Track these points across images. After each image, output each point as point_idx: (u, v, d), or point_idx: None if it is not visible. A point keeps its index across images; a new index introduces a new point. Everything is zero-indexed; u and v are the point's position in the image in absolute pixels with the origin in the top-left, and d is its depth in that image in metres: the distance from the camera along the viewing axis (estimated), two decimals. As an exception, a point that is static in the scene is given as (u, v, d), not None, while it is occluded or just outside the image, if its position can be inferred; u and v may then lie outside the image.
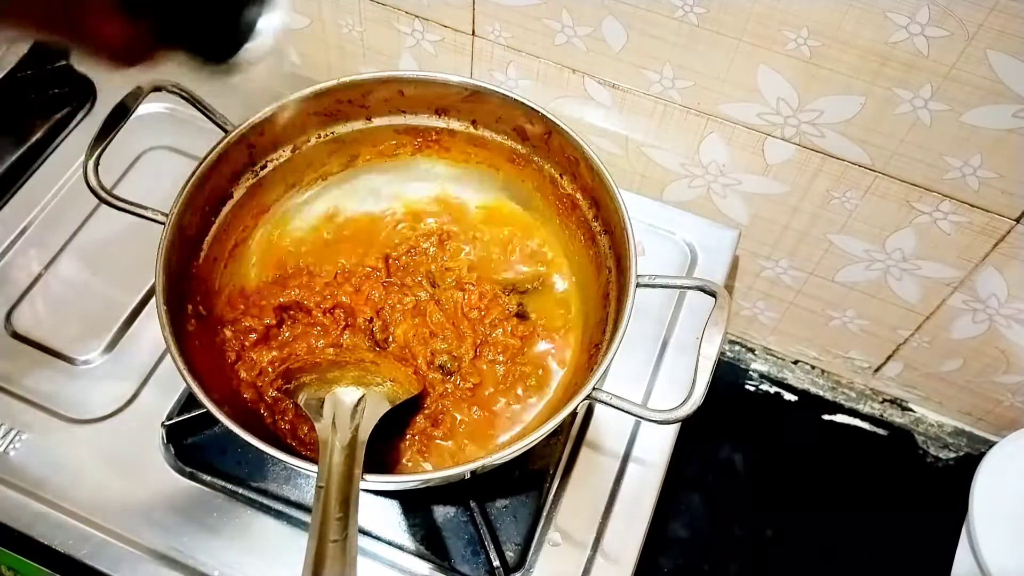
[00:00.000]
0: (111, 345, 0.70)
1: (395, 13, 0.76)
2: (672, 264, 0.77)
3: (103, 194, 0.57)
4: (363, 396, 0.54)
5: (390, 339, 0.62)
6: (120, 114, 0.58)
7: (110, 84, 0.85)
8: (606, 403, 0.51)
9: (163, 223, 0.56)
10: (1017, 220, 0.66)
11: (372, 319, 0.63)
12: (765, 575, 0.83)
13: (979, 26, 0.55)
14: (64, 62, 0.85)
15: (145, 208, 0.57)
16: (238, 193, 0.63)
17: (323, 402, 0.53)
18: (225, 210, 0.62)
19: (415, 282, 0.65)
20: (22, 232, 0.76)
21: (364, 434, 0.50)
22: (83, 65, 0.86)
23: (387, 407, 0.54)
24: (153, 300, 0.54)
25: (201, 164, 0.58)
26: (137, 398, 0.67)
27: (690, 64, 0.68)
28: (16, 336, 0.70)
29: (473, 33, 0.75)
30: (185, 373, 0.50)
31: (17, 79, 0.76)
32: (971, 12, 0.55)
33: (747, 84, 0.67)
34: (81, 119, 0.83)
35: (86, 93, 0.84)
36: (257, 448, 0.48)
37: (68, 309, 0.72)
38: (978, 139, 0.62)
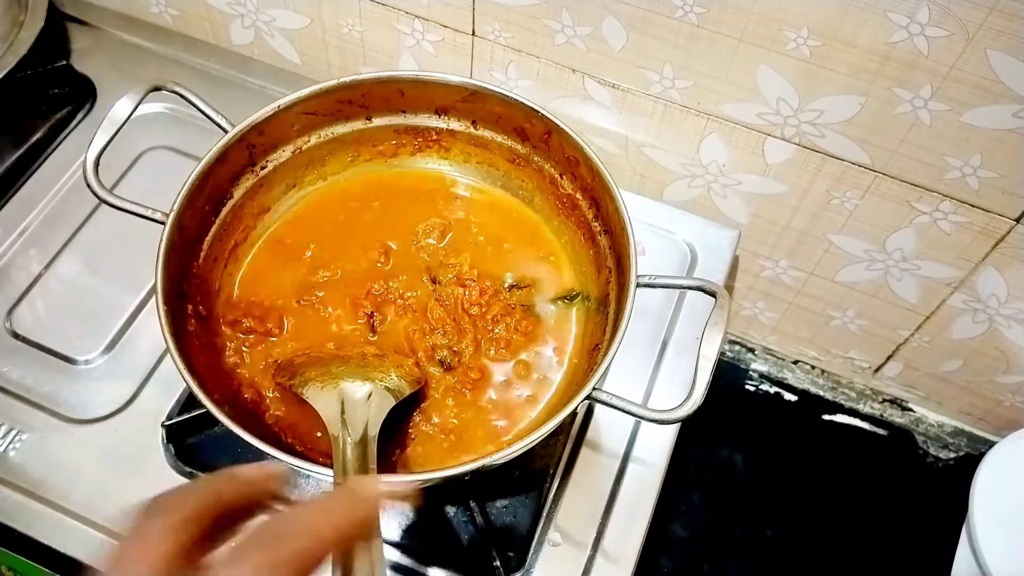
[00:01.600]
0: (111, 345, 0.70)
1: (395, 13, 0.76)
2: (672, 264, 0.77)
3: (103, 194, 0.57)
4: (371, 390, 0.54)
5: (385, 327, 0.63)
6: (120, 114, 0.59)
7: (110, 84, 0.85)
8: (606, 403, 0.51)
9: (163, 223, 0.56)
10: (1017, 220, 0.66)
11: (373, 313, 0.63)
12: (765, 575, 0.83)
13: (979, 26, 0.55)
14: (64, 62, 0.85)
15: (145, 208, 0.57)
16: (238, 193, 0.63)
17: (331, 397, 0.53)
18: (225, 210, 0.62)
19: (416, 278, 0.65)
20: (22, 232, 0.76)
21: (374, 429, 0.51)
22: (83, 65, 0.86)
23: (392, 402, 0.54)
24: (153, 300, 0.54)
25: (201, 164, 0.58)
26: (137, 398, 0.67)
27: (690, 64, 0.68)
28: (16, 336, 0.70)
29: (473, 33, 0.75)
30: (185, 373, 0.50)
31: (17, 79, 0.76)
32: (971, 12, 0.55)
33: (747, 84, 0.67)
34: (81, 119, 0.83)
35: (86, 93, 0.84)
36: (257, 448, 0.48)
37: (68, 309, 0.72)
38: (978, 139, 0.62)
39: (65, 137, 0.81)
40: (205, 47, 0.89)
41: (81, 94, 0.84)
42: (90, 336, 0.70)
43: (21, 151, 0.80)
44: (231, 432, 0.49)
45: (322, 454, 0.56)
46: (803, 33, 0.61)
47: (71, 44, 0.88)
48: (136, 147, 0.80)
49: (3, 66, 0.75)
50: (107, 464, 0.64)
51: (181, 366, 0.51)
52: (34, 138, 0.81)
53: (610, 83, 0.73)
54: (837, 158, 0.68)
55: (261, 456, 0.49)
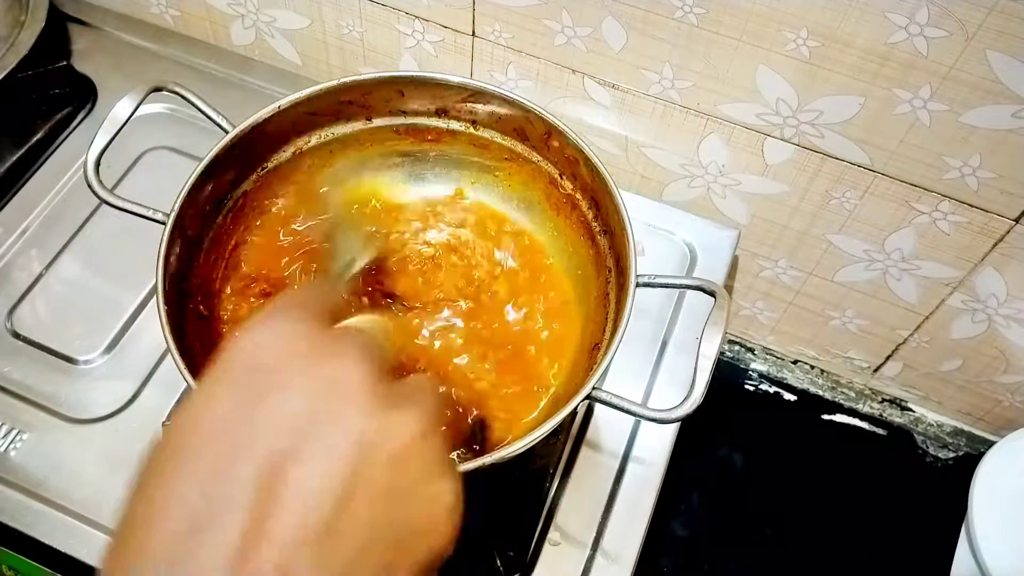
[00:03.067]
0: (112, 345, 0.70)
1: (395, 14, 0.76)
2: (672, 264, 0.77)
3: (104, 194, 0.57)
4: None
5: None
6: (121, 114, 0.59)
7: (111, 84, 0.85)
8: (606, 402, 0.51)
9: (164, 223, 0.56)
10: (1016, 220, 0.66)
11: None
12: (765, 575, 0.83)
13: (979, 26, 0.55)
14: (64, 62, 0.85)
15: (146, 208, 0.57)
16: (239, 193, 0.63)
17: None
18: (226, 210, 0.63)
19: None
20: (23, 232, 0.76)
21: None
22: (84, 65, 0.86)
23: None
24: (154, 300, 0.54)
25: (201, 164, 0.58)
26: (138, 398, 0.67)
27: (690, 64, 0.68)
28: (17, 336, 0.70)
29: (473, 34, 0.75)
30: (186, 373, 0.51)
31: (17, 79, 0.76)
32: (970, 12, 0.55)
33: (747, 84, 0.67)
34: (82, 119, 0.83)
35: (87, 93, 0.84)
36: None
37: (69, 309, 0.72)
38: (977, 139, 0.62)
39: (66, 137, 0.81)
40: (205, 48, 0.89)
41: (82, 94, 0.84)
42: (91, 336, 0.70)
43: (22, 151, 0.80)
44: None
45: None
46: (802, 33, 0.61)
47: (72, 44, 0.88)
48: (137, 147, 0.81)
49: (4, 66, 0.75)
50: (108, 464, 0.64)
51: (182, 366, 0.51)
52: (35, 138, 0.81)
53: (610, 83, 0.73)
54: (836, 158, 0.69)
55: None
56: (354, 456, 0.27)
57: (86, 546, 0.61)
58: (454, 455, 0.35)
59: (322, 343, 0.30)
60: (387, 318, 0.38)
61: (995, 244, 0.68)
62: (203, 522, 0.25)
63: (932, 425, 0.90)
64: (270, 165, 0.64)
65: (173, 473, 0.27)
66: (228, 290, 0.63)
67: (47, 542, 0.61)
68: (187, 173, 0.58)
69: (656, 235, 0.78)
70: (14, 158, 0.79)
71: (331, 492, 0.27)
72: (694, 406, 0.50)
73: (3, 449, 0.64)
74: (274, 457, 0.26)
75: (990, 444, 0.76)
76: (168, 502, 0.26)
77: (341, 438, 0.27)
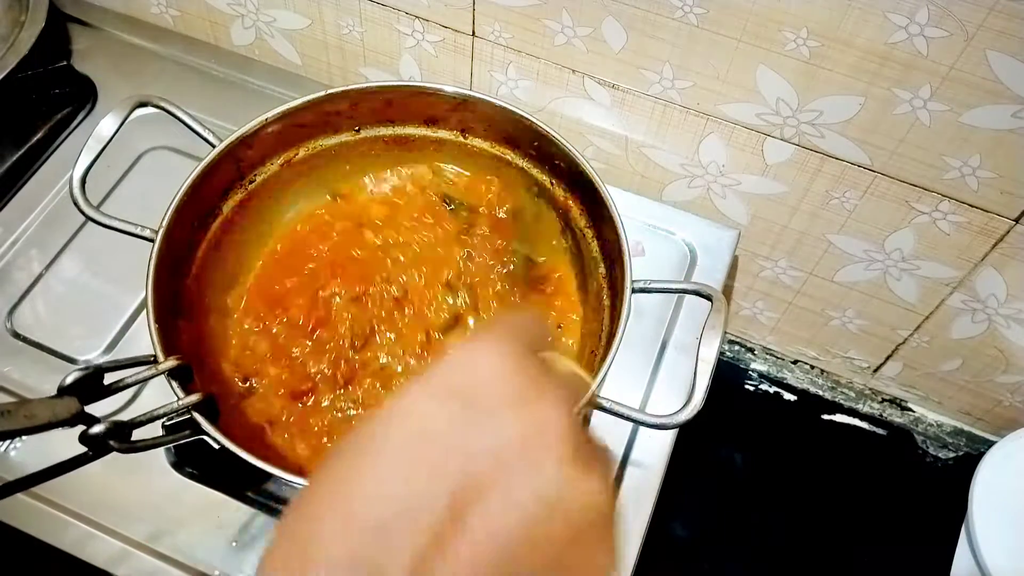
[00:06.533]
0: (112, 345, 0.70)
1: (395, 14, 0.76)
2: (671, 264, 0.77)
3: (90, 212, 0.56)
4: None
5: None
6: (106, 132, 0.58)
7: (111, 85, 0.85)
8: (605, 409, 0.51)
9: (151, 239, 0.55)
10: (1016, 220, 0.66)
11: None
12: (765, 575, 0.83)
13: (978, 26, 0.55)
14: (65, 63, 0.85)
15: (133, 225, 0.57)
16: (227, 208, 0.63)
17: None
18: (215, 225, 0.62)
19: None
20: (23, 232, 0.76)
21: None
22: (84, 66, 0.86)
23: None
24: (153, 301, 0.54)
25: (188, 180, 0.58)
26: (138, 398, 0.67)
27: (690, 64, 0.68)
28: (17, 336, 0.70)
29: (473, 34, 0.75)
30: (179, 391, 0.51)
31: (18, 79, 0.76)
32: (970, 12, 0.55)
33: (747, 84, 0.67)
34: (82, 119, 0.83)
35: (87, 93, 0.84)
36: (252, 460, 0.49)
37: (69, 309, 0.72)
38: (977, 139, 0.62)
39: (66, 137, 0.81)
40: (206, 48, 0.89)
41: (82, 95, 0.84)
42: (91, 336, 0.70)
43: (22, 151, 0.80)
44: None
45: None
46: (802, 34, 0.61)
47: (72, 45, 0.88)
48: (136, 148, 0.80)
49: (4, 66, 0.75)
50: (108, 464, 0.64)
51: (175, 385, 0.51)
52: (35, 138, 0.81)
53: (610, 83, 0.73)
54: (836, 158, 0.69)
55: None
56: (538, 512, 0.26)
57: (86, 546, 0.61)
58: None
59: (535, 381, 0.29)
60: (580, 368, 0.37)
61: (995, 244, 0.68)
62: (391, 524, 0.25)
63: (932, 425, 0.90)
64: (258, 178, 0.64)
65: (372, 464, 0.26)
66: (220, 303, 0.63)
67: (47, 542, 0.61)
68: (187, 174, 0.58)
69: (656, 235, 0.78)
70: (14, 158, 0.79)
71: (509, 541, 0.26)
72: (695, 411, 0.50)
73: (3, 449, 0.65)
74: (472, 480, 0.26)
75: (990, 444, 0.76)
76: (360, 494, 0.26)
77: (535, 487, 0.27)
